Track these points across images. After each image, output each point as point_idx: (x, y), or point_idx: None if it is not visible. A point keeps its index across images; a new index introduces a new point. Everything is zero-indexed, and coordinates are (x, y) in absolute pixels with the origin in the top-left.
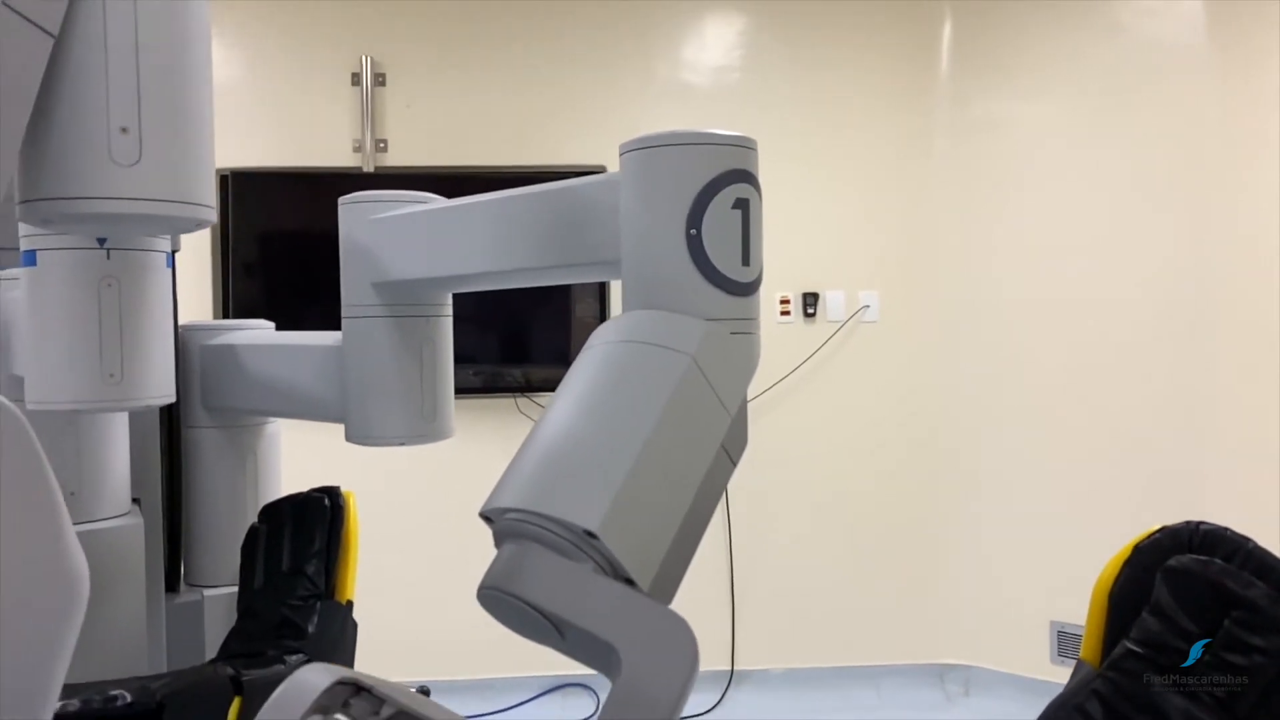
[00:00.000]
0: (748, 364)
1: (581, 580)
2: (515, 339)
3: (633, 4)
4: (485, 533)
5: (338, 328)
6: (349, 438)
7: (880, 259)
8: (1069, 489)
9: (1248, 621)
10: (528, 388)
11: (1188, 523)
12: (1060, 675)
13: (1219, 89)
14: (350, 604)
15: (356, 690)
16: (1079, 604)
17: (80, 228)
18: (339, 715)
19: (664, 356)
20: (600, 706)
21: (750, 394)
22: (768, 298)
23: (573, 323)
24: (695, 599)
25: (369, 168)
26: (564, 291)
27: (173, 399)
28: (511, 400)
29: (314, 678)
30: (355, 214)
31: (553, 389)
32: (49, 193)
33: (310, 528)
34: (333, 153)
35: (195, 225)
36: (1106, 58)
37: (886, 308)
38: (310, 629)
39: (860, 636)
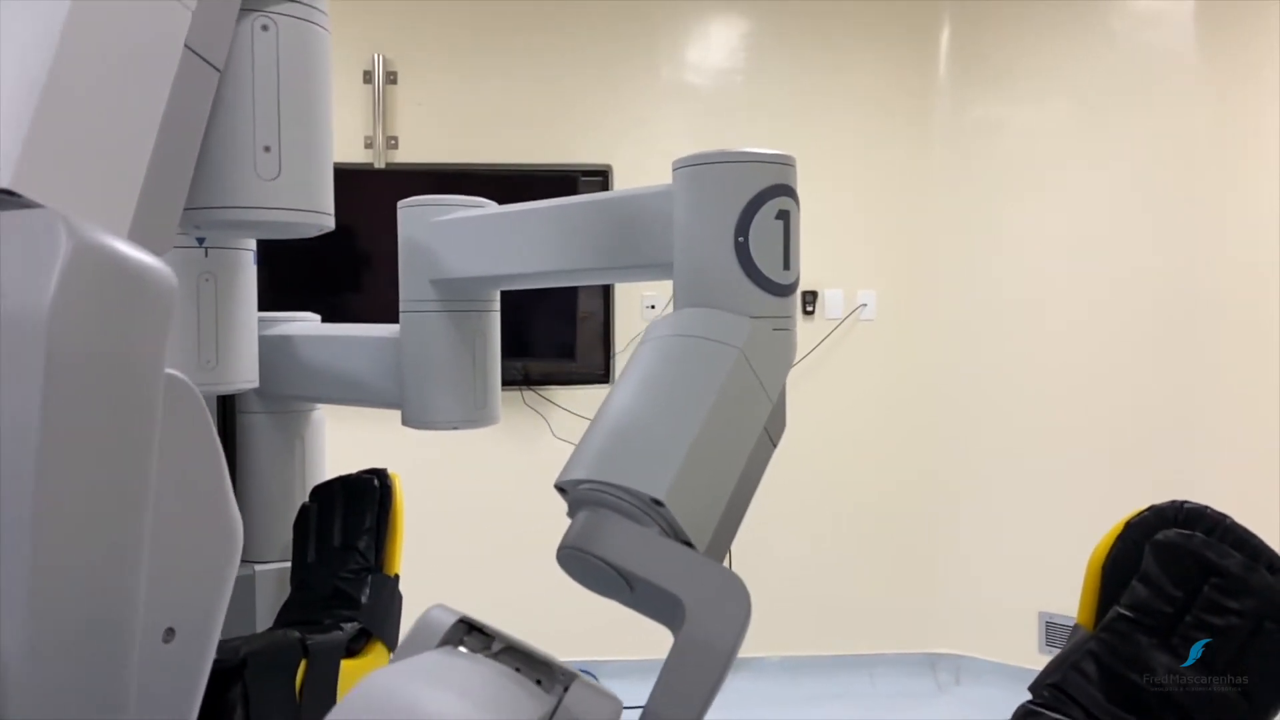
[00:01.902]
0: (787, 356)
1: (650, 541)
2: (520, 334)
3: (638, 7)
4: (492, 522)
5: (343, 320)
6: (406, 422)
7: (878, 258)
8: (1059, 485)
9: (1225, 587)
10: (533, 381)
11: (1173, 502)
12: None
13: (1211, 95)
14: (397, 577)
15: (469, 629)
16: (1067, 596)
17: (227, 233)
18: (460, 646)
19: (716, 350)
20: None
21: None
22: None
23: (577, 318)
24: None
25: (380, 164)
26: (568, 288)
27: (256, 383)
28: (518, 393)
29: (441, 616)
30: (415, 216)
31: (557, 382)
32: (202, 203)
33: (361, 506)
34: (344, 149)
35: (318, 230)
36: (1101, 63)
37: (884, 306)
38: (363, 599)
39: (855, 627)
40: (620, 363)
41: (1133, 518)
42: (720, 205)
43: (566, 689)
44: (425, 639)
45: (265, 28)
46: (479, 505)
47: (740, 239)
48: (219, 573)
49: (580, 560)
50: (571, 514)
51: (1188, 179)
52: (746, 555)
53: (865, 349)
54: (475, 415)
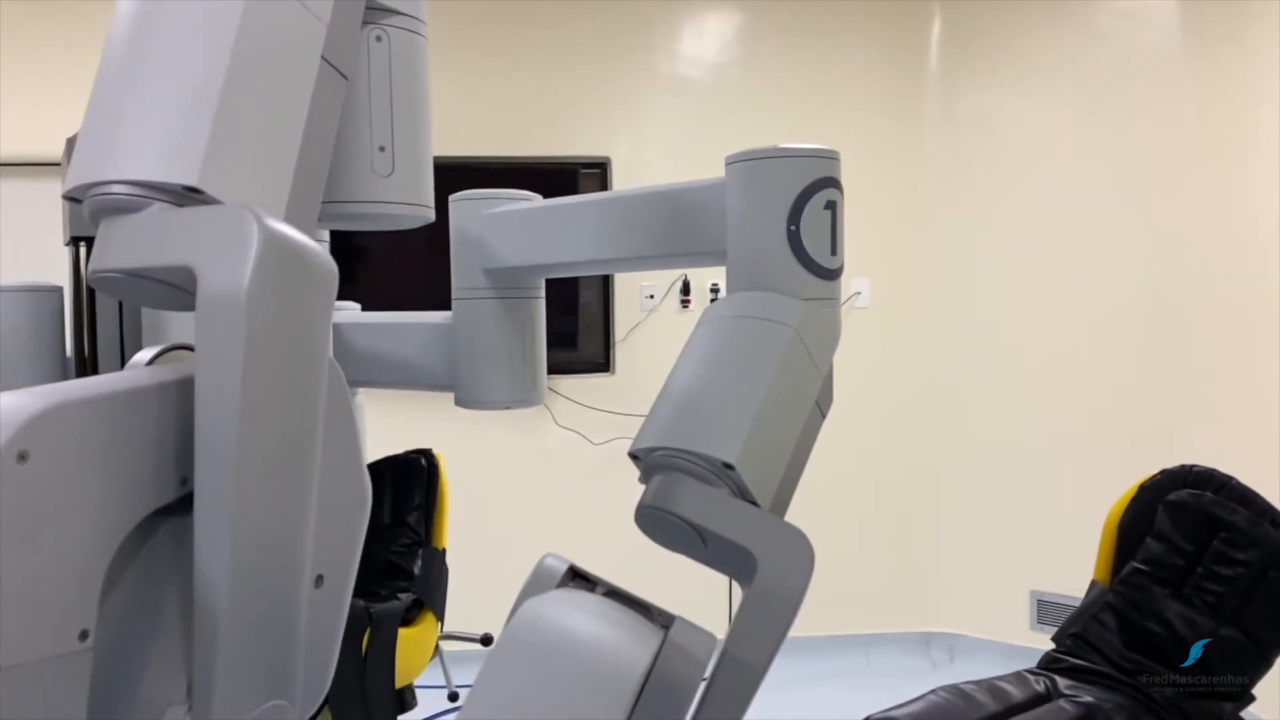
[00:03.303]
0: (835, 335)
1: (722, 501)
2: None
3: (635, 2)
4: (499, 506)
5: None
6: (459, 402)
7: (871, 248)
8: (1049, 469)
9: (1232, 540)
10: None
11: (1183, 466)
12: (1040, 641)
13: (1196, 89)
14: (445, 550)
15: (574, 575)
16: (1057, 575)
17: (344, 226)
18: (572, 586)
19: (773, 329)
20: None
21: None
22: None
23: (578, 308)
24: (694, 574)
25: None
26: (569, 279)
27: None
28: None
29: (555, 564)
30: (466, 209)
31: (558, 371)
32: (326, 197)
33: (409, 484)
34: None
35: (422, 221)
36: (1089, 57)
37: (877, 295)
38: (416, 571)
39: (851, 607)
40: (620, 352)
41: (1146, 481)
42: (774, 197)
43: (668, 626)
44: (544, 582)
45: (379, 39)
46: (486, 490)
47: (792, 227)
48: (356, 528)
49: (658, 519)
50: (644, 479)
51: (1175, 171)
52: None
53: (860, 337)
54: (526, 395)
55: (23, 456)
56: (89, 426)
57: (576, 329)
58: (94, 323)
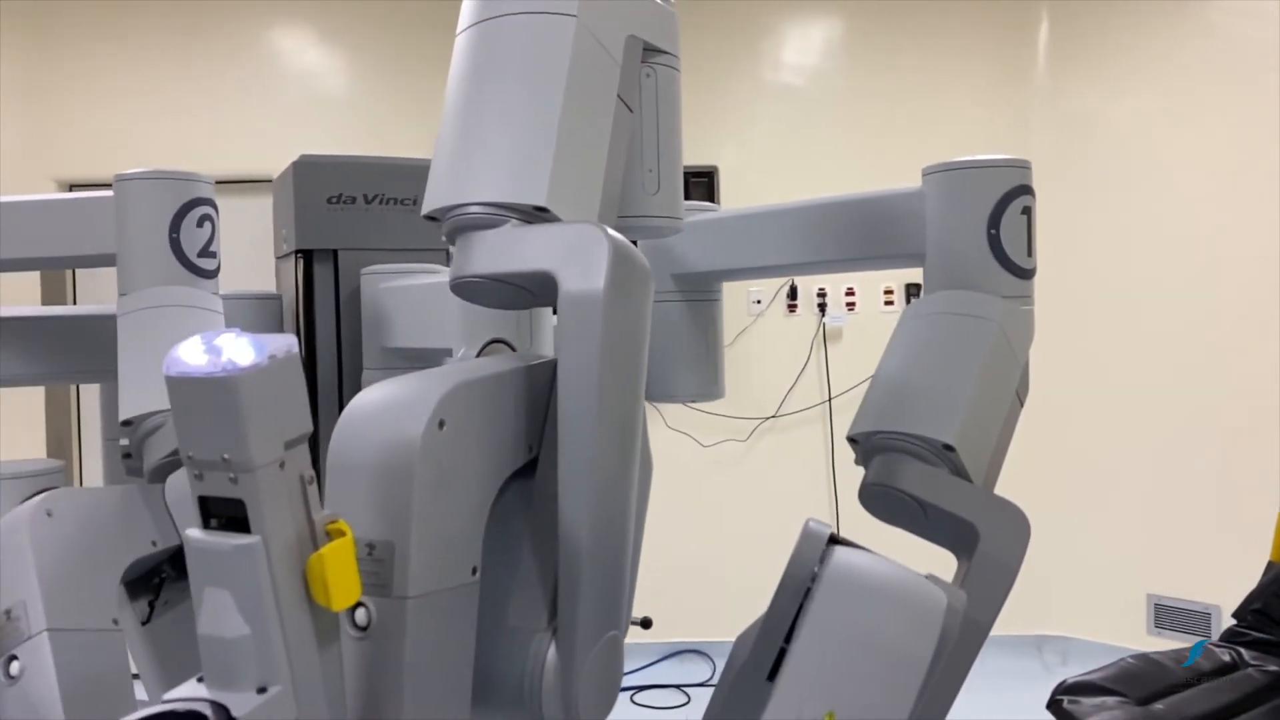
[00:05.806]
0: (1030, 330)
1: (942, 479)
2: None
3: (741, 14)
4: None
5: None
6: (649, 397)
7: None
8: (1167, 470)
9: None
10: None
11: None
12: (1158, 646)
13: None
14: None
15: (831, 538)
16: (1176, 578)
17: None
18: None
19: (979, 324)
20: (963, 575)
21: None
22: (873, 287)
23: None
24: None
25: None
26: None
27: None
28: None
29: (819, 527)
30: None
31: None
32: None
33: None
34: None
35: (675, 231)
36: (1199, 55)
37: None
38: None
39: None
40: (728, 356)
41: None
42: (975, 203)
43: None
44: (815, 542)
45: (648, 75)
46: None
47: (992, 231)
48: (646, 490)
49: (882, 494)
50: (861, 460)
51: None
52: (856, 538)
53: None
54: (710, 389)
55: (441, 423)
56: (481, 400)
57: None
58: (312, 328)
